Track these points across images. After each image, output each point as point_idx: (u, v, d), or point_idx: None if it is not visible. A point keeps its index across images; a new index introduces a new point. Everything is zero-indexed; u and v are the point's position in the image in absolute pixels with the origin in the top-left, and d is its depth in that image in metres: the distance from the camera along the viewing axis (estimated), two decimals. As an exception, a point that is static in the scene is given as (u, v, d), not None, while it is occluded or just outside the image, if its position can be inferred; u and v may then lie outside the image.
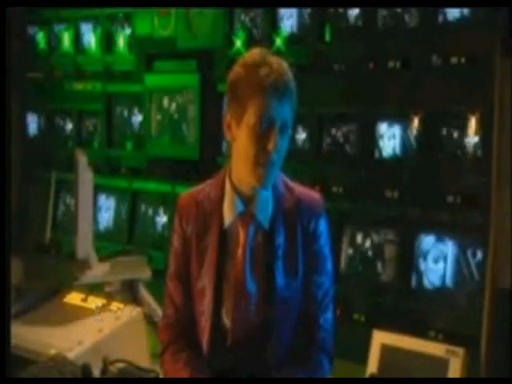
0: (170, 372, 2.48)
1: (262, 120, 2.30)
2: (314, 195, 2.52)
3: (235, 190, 2.42)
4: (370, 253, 3.77)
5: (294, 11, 4.11)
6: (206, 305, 2.44)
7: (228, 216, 2.43)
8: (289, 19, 4.13)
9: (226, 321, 2.44)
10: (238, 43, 4.33)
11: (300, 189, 2.51)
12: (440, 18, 3.52)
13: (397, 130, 3.69)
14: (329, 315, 2.49)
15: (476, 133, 3.41)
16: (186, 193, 2.54)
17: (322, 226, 2.48)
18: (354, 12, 3.85)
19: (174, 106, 4.71)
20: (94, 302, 3.87)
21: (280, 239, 2.42)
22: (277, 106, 2.30)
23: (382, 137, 3.73)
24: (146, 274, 4.10)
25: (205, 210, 2.46)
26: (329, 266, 2.50)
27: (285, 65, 2.36)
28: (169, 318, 2.54)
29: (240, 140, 2.35)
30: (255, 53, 2.38)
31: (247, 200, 2.42)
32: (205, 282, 2.44)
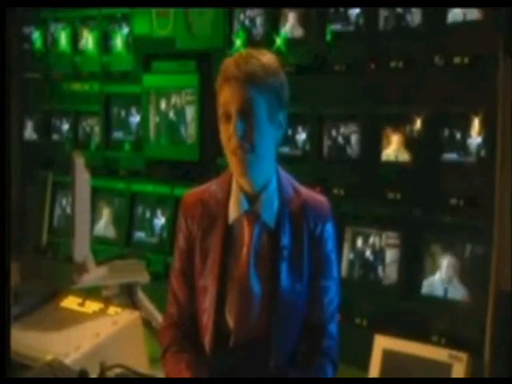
0: (171, 372, 2.46)
1: (222, 109, 2.34)
2: (320, 199, 2.51)
3: (241, 188, 2.42)
4: (371, 256, 3.75)
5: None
6: (208, 303, 2.42)
7: (233, 214, 2.43)
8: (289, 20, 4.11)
9: (229, 320, 2.43)
10: (238, 43, 4.30)
11: (307, 192, 2.50)
12: (442, 18, 3.50)
13: (399, 130, 3.66)
14: (335, 322, 2.48)
15: (479, 134, 3.39)
16: (190, 191, 2.54)
17: (329, 230, 2.47)
18: (355, 12, 3.82)
19: (172, 106, 4.68)
20: (92, 306, 3.84)
21: (285, 240, 2.41)
22: (237, 92, 2.30)
23: (383, 137, 3.70)
24: (144, 277, 4.07)
25: (210, 208, 2.46)
26: (335, 271, 2.49)
27: (257, 57, 2.33)
28: (172, 318, 2.53)
29: None
30: (236, 54, 2.40)
31: (252, 199, 2.42)
32: (207, 280, 2.43)
